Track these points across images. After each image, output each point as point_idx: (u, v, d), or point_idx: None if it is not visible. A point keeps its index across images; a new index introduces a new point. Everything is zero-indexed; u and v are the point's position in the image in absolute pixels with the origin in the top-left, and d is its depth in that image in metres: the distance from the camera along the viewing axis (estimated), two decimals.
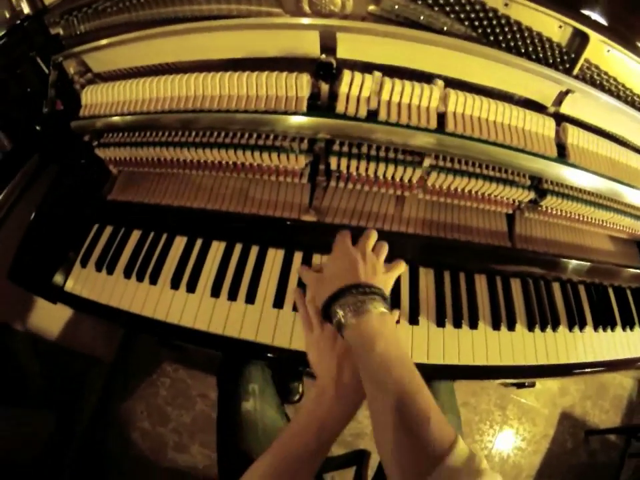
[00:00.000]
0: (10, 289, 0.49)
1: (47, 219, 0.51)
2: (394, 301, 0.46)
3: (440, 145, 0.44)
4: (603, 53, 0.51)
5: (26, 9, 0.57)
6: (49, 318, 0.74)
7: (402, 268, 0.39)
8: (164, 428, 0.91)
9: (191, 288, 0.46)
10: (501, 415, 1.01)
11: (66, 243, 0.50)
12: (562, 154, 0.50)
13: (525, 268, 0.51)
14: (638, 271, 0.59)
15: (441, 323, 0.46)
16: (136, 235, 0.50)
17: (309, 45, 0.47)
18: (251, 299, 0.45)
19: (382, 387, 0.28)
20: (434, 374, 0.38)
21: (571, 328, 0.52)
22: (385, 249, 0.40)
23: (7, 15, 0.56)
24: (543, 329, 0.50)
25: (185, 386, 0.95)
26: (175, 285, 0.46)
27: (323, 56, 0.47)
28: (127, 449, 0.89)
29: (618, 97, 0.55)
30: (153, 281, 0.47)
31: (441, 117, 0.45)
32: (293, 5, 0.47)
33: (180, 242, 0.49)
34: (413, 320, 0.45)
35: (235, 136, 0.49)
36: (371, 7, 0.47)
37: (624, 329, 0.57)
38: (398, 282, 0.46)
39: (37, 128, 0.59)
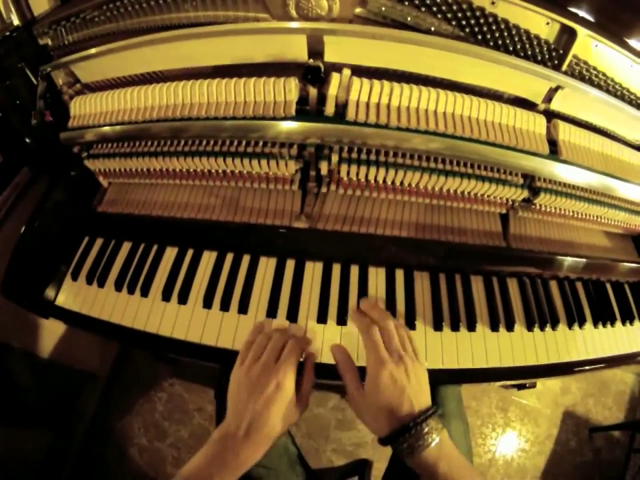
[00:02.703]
0: (3, 305, 0.48)
1: (38, 232, 0.50)
2: (389, 307, 0.45)
3: (431, 146, 0.44)
4: (591, 48, 0.51)
5: (15, 21, 0.57)
6: (43, 334, 0.73)
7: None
8: (162, 443, 0.90)
9: (183, 299, 0.45)
10: (503, 418, 1.00)
11: (57, 257, 0.49)
12: (554, 151, 0.50)
13: (521, 267, 0.51)
14: (634, 265, 0.59)
15: (438, 327, 0.45)
16: (126, 246, 0.50)
17: (297, 50, 0.47)
18: (243, 309, 0.44)
19: None
20: (432, 378, 0.38)
21: (570, 325, 0.52)
22: (408, 336, 0.39)
23: None
24: (542, 328, 0.50)
25: (182, 400, 0.94)
26: (166, 296, 0.45)
27: (311, 60, 0.47)
28: (125, 465, 0.87)
29: (607, 91, 0.55)
30: (144, 293, 0.46)
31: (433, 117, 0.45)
32: (280, 10, 0.47)
33: (171, 253, 0.48)
34: (410, 324, 0.44)
35: (224, 144, 0.48)
36: (358, 10, 0.46)
37: (624, 323, 0.57)
38: (393, 287, 0.46)
39: (27, 140, 0.58)
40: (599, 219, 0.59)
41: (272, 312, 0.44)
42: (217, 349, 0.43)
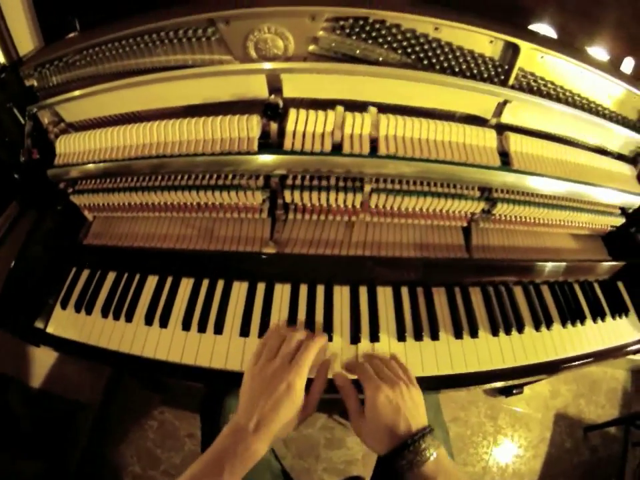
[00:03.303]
0: None
1: (28, 263, 0.54)
2: (354, 322, 0.48)
3: (378, 168, 0.47)
4: (536, 59, 0.54)
5: (1, 59, 0.59)
6: (34, 363, 0.75)
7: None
8: (155, 471, 0.91)
9: (164, 323, 0.49)
10: (493, 426, 1.00)
11: (46, 287, 0.53)
12: (506, 162, 0.53)
13: (483, 276, 0.53)
14: (599, 264, 0.61)
15: (401, 338, 0.47)
16: (111, 276, 0.54)
17: (258, 88, 0.51)
18: (219, 330, 0.47)
19: None
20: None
21: (537, 328, 0.54)
22: (400, 365, 0.42)
23: None
24: (507, 333, 0.52)
25: (173, 427, 0.96)
26: (148, 321, 0.49)
27: (272, 96, 0.51)
28: None
29: (558, 99, 0.57)
30: (129, 318, 0.50)
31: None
32: (241, 51, 0.51)
33: (152, 281, 0.52)
34: (374, 337, 0.47)
35: (197, 178, 0.52)
36: (311, 47, 0.50)
37: (594, 320, 0.58)
38: (357, 303, 0.49)
39: (15, 176, 0.62)
40: (562, 223, 0.61)
41: (245, 332, 0.47)
42: (197, 368, 0.46)
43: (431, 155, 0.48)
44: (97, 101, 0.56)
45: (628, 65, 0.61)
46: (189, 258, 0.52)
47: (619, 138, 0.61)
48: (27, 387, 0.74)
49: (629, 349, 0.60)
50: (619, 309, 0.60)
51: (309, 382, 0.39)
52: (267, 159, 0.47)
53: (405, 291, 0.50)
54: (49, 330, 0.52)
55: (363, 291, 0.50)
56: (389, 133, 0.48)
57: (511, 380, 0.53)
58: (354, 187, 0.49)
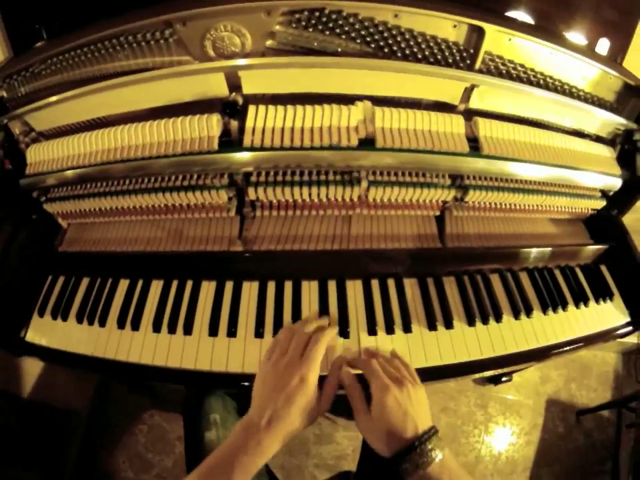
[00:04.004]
0: None
1: (5, 274, 0.55)
2: (323, 317, 0.47)
3: (346, 160, 0.46)
4: (504, 42, 0.52)
5: None
6: (21, 373, 0.76)
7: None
8: (148, 475, 0.92)
9: (135, 326, 0.49)
10: (483, 414, 0.99)
11: (24, 296, 0.54)
12: (476, 147, 0.51)
13: (456, 266, 0.52)
14: (581, 248, 0.59)
15: (372, 332, 0.47)
16: (85, 282, 0.54)
17: (217, 87, 0.50)
18: (188, 330, 0.47)
19: None
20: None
21: (516, 316, 0.53)
22: (404, 363, 0.42)
23: None
24: (484, 322, 0.51)
25: (163, 431, 0.96)
26: (120, 324, 0.49)
27: (233, 94, 0.51)
28: None
29: (529, 83, 0.56)
30: (102, 323, 0.50)
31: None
32: (199, 51, 0.51)
33: (123, 284, 0.52)
34: (343, 331, 0.46)
35: (163, 180, 0.52)
36: (269, 42, 0.50)
37: (577, 306, 0.57)
38: (326, 298, 0.48)
39: None
40: (540, 208, 0.59)
41: (213, 331, 0.47)
42: (169, 369, 0.46)
43: (394, 145, 0.47)
44: (63, 108, 0.56)
45: (603, 46, 0.59)
46: (158, 260, 0.52)
47: (596, 120, 0.60)
48: (16, 397, 0.74)
49: (615, 333, 0.58)
50: (603, 293, 0.59)
51: (322, 379, 0.39)
52: (227, 157, 0.47)
53: (375, 283, 0.50)
54: (28, 338, 0.52)
55: (332, 286, 0.49)
56: (350, 124, 0.47)
57: (492, 370, 0.52)
58: (318, 181, 0.48)
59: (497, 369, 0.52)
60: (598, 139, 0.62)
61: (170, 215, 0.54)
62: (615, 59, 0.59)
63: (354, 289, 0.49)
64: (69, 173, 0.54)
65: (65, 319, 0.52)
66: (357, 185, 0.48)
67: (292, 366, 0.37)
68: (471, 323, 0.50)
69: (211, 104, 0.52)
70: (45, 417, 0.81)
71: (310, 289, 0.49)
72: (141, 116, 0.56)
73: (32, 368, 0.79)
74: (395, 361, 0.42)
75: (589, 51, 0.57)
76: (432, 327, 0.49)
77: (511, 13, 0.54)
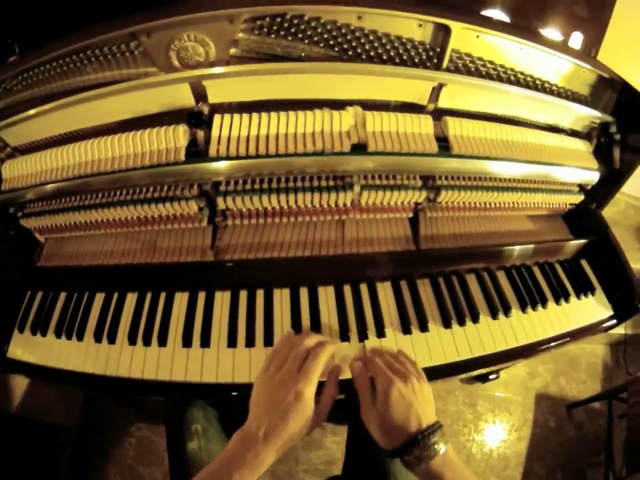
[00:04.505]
0: None
1: None
2: (295, 324, 0.48)
3: (320, 166, 0.46)
4: (472, 39, 0.52)
5: None
6: (8, 389, 0.76)
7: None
8: None
9: (112, 339, 0.49)
10: (472, 413, 0.99)
11: (4, 312, 0.54)
12: (446, 147, 0.51)
13: (431, 268, 0.52)
14: (559, 243, 0.58)
15: (345, 338, 0.47)
16: (62, 297, 0.54)
17: (184, 97, 0.50)
18: (163, 342, 0.47)
19: None
20: (341, 388, 0.40)
21: (494, 316, 0.52)
22: (409, 359, 0.43)
23: None
24: (461, 324, 0.51)
25: (152, 443, 0.96)
26: (97, 338, 0.49)
27: (200, 104, 0.51)
28: None
29: (500, 79, 0.55)
30: (80, 337, 0.50)
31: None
32: (164, 62, 0.51)
33: (99, 298, 0.52)
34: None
35: (134, 192, 0.52)
36: (232, 50, 0.50)
37: (557, 302, 0.56)
38: (297, 305, 0.48)
39: None
40: (516, 205, 0.59)
41: (187, 342, 0.47)
42: (145, 381, 0.47)
43: (369, 148, 0.47)
44: (36, 123, 0.57)
45: (576, 40, 0.58)
46: (132, 272, 0.52)
47: (571, 114, 0.59)
48: (3, 412, 0.74)
49: (600, 327, 0.58)
50: (584, 288, 0.58)
51: (320, 386, 0.39)
52: (194, 167, 0.47)
53: (347, 289, 0.49)
54: (9, 354, 0.53)
55: (304, 292, 0.49)
56: (315, 130, 0.47)
57: (473, 371, 0.51)
58: (287, 188, 0.48)
59: (478, 369, 0.52)
60: (573, 133, 0.62)
61: (144, 227, 0.54)
62: (589, 52, 0.58)
63: (325, 294, 0.49)
64: (47, 187, 0.54)
65: (44, 334, 0.52)
66: (331, 190, 0.48)
67: (289, 381, 0.37)
68: (447, 324, 0.50)
69: (181, 114, 0.52)
70: (33, 432, 0.81)
71: (282, 297, 0.49)
72: (113, 128, 0.56)
73: (19, 383, 0.79)
74: (400, 356, 0.43)
75: (561, 45, 0.56)
76: (406, 330, 0.48)
77: (487, 12, 0.54)
